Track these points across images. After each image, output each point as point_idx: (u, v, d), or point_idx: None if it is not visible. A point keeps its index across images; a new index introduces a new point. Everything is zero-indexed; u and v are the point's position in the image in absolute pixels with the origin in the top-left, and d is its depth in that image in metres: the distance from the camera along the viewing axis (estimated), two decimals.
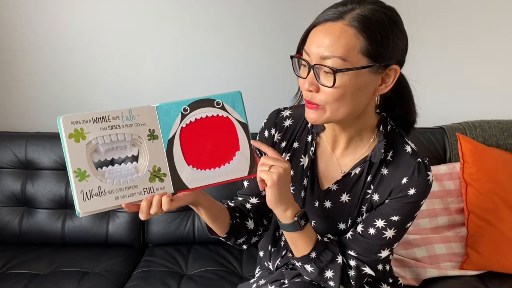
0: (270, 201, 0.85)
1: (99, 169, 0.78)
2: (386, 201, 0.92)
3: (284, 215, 0.87)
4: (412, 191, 0.89)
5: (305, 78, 0.83)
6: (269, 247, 1.10)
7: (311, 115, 0.85)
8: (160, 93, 1.79)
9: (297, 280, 0.98)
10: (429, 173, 0.90)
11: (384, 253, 0.93)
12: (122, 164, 0.80)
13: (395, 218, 0.90)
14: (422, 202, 0.91)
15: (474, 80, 1.82)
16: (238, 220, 0.99)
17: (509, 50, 1.80)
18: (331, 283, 0.93)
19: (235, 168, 0.86)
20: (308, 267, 0.92)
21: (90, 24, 1.71)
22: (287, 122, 1.02)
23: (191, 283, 1.39)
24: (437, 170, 1.55)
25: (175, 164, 0.82)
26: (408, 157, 0.91)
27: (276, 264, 1.08)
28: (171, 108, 0.82)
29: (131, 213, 1.62)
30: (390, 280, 1.08)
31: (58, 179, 1.62)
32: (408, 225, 0.93)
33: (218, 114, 0.86)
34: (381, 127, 0.93)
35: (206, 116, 0.85)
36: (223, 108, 0.86)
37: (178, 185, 0.83)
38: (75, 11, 1.70)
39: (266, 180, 0.83)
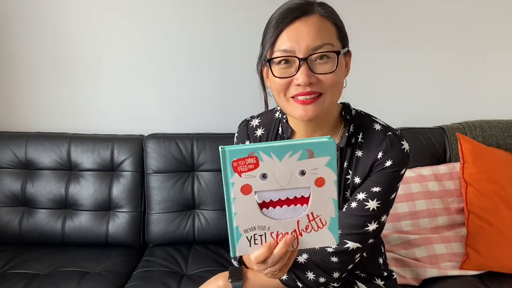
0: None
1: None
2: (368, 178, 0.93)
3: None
4: (389, 163, 0.89)
5: (294, 75, 0.82)
6: None
7: (312, 109, 0.84)
8: (161, 94, 1.79)
9: None
10: (402, 142, 0.91)
11: (371, 226, 0.91)
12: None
13: (376, 189, 0.90)
14: (402, 172, 0.91)
15: (474, 80, 1.82)
16: None
17: (509, 50, 1.80)
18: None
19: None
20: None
21: (91, 24, 1.71)
22: (259, 132, 1.03)
23: (191, 283, 1.39)
24: (437, 170, 1.55)
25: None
26: (378, 134, 0.92)
27: None
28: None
29: (131, 213, 1.63)
30: (385, 274, 1.08)
31: (58, 179, 1.63)
32: (392, 196, 0.92)
33: None
34: (343, 113, 0.95)
35: None
36: None
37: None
38: (76, 12, 1.70)
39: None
